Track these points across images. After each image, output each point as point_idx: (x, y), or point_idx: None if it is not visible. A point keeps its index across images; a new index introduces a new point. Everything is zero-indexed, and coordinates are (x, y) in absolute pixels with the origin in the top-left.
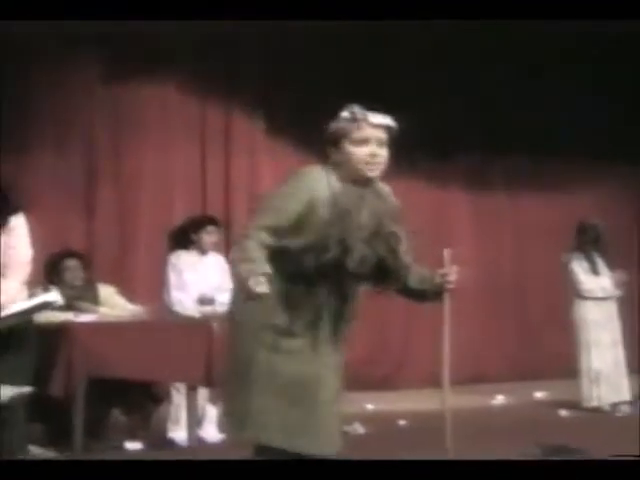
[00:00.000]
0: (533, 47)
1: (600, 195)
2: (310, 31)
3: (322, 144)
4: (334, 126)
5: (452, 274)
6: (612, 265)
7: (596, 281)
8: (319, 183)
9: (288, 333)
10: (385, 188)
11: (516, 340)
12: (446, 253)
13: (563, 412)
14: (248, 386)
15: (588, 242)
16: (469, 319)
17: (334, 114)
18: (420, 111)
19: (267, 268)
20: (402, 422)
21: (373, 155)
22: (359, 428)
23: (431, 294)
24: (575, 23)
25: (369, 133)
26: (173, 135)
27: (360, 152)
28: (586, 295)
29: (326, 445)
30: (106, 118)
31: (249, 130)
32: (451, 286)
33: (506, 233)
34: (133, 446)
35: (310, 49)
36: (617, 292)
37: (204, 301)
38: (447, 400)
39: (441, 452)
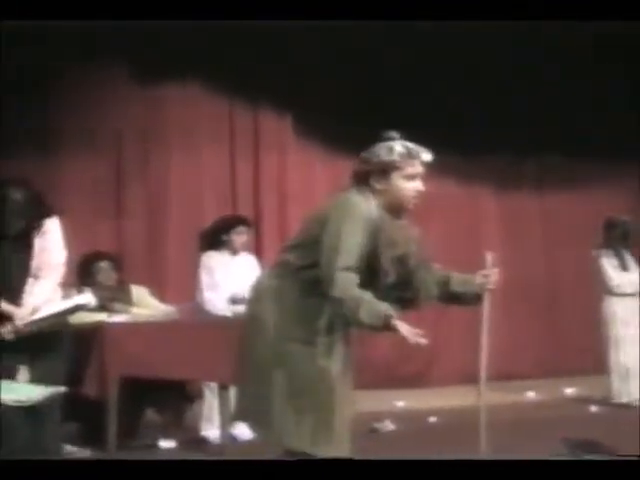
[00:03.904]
0: (567, 46)
1: (629, 193)
2: (339, 30)
3: (360, 168)
4: (385, 157)
5: (493, 275)
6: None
7: (625, 277)
8: (369, 213)
9: (305, 342)
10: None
11: (546, 337)
12: (488, 255)
13: (593, 408)
14: (269, 389)
15: (616, 238)
16: (500, 317)
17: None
18: (450, 111)
19: (388, 307)
20: (433, 419)
21: (419, 191)
22: (389, 425)
23: (472, 296)
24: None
25: (419, 170)
26: (201, 135)
27: (410, 187)
28: (615, 291)
29: (338, 450)
30: (134, 119)
31: (278, 129)
32: (492, 286)
33: (536, 232)
34: (167, 444)
35: (338, 48)
36: None
37: (236, 300)
38: (483, 397)
39: (472, 449)
